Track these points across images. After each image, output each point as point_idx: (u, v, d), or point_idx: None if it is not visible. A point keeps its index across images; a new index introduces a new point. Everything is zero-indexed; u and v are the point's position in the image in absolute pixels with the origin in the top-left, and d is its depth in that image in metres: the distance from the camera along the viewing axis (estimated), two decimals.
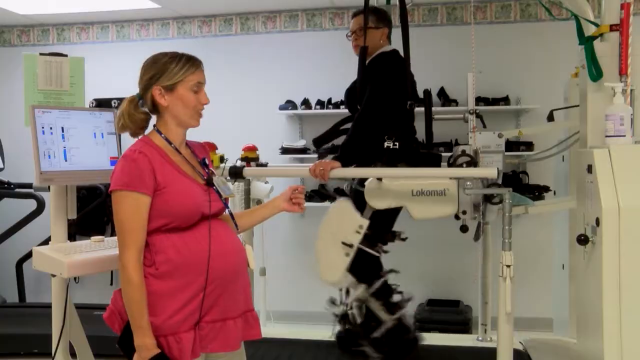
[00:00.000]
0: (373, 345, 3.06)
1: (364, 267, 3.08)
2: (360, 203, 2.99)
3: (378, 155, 2.97)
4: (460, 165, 2.87)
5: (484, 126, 3.29)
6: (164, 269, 1.87)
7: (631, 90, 2.63)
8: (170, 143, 1.98)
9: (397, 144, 2.97)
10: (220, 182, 2.05)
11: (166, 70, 1.94)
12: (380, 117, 3.00)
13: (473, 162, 2.88)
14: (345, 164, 2.94)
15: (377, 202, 2.94)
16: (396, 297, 3.16)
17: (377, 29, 3.15)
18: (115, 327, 1.95)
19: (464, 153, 2.90)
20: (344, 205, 3.02)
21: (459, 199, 2.85)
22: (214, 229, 1.94)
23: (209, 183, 2.00)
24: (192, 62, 1.97)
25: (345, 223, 2.99)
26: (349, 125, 3.23)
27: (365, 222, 2.96)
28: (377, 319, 3.09)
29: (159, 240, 1.89)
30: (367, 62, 3.13)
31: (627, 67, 2.59)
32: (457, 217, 2.91)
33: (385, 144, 2.97)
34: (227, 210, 2.07)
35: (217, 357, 2.01)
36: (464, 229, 2.88)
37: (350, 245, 2.95)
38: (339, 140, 3.28)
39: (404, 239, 3.18)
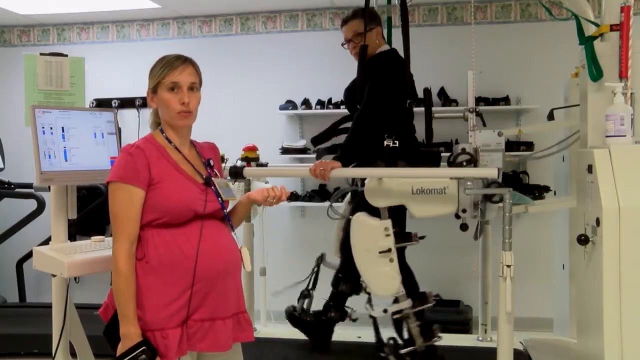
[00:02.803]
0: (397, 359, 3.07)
1: (406, 279, 3.07)
2: (371, 209, 2.97)
3: (378, 153, 2.97)
4: (461, 163, 2.87)
5: (484, 124, 3.29)
6: (153, 263, 1.89)
7: (631, 93, 2.62)
8: (170, 142, 2.00)
9: (396, 142, 2.97)
10: (222, 184, 2.05)
11: (150, 73, 1.99)
12: (380, 116, 3.00)
13: (473, 160, 2.88)
14: (345, 164, 2.94)
15: (377, 201, 2.94)
16: (433, 325, 3.17)
17: (372, 30, 3.17)
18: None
19: (464, 151, 2.90)
20: (360, 220, 2.98)
21: (459, 197, 2.85)
22: (206, 228, 1.95)
23: (207, 183, 2.01)
24: (170, 62, 1.97)
25: (371, 234, 2.94)
26: (347, 125, 3.24)
27: (389, 222, 2.93)
28: (410, 337, 3.08)
29: (150, 235, 1.91)
30: (366, 61, 3.13)
31: (627, 70, 2.59)
32: (457, 215, 2.91)
33: (385, 142, 2.97)
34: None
35: (211, 357, 2.01)
36: (463, 227, 2.88)
37: (389, 250, 2.91)
38: (338, 139, 3.28)
39: (421, 237, 3.17)
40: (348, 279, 3.26)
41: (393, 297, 3.03)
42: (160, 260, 1.89)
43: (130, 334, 1.83)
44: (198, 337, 1.91)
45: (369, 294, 3.20)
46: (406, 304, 3.01)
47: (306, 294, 3.51)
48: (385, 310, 3.03)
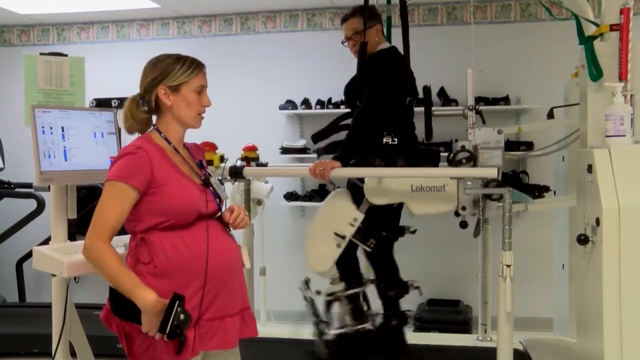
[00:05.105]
0: (325, 342, 3.14)
1: (348, 265, 3.13)
2: (357, 197, 3.01)
3: (377, 151, 2.98)
4: (460, 161, 2.87)
5: (484, 122, 3.29)
6: (162, 267, 1.88)
7: (631, 95, 2.62)
8: (169, 143, 2.00)
9: (396, 139, 2.97)
10: (217, 184, 2.07)
11: (171, 72, 1.98)
12: (380, 113, 3.00)
13: (472, 158, 2.88)
14: (345, 164, 2.95)
15: (377, 199, 2.95)
16: (365, 308, 3.20)
17: (371, 27, 3.17)
18: (112, 326, 1.96)
19: (463, 148, 2.90)
20: (341, 196, 3.04)
21: (458, 195, 2.85)
22: (211, 228, 1.95)
23: (206, 183, 2.01)
24: (196, 65, 2.02)
25: (340, 214, 3.02)
26: (348, 121, 3.24)
27: (360, 216, 2.98)
28: (342, 319, 3.14)
29: (156, 238, 1.90)
30: (366, 59, 3.13)
31: (627, 72, 2.59)
32: (456, 213, 2.92)
33: (385, 140, 2.97)
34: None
35: (214, 356, 2.01)
36: (463, 225, 2.89)
37: (343, 237, 2.97)
38: (337, 137, 3.29)
39: (413, 232, 3.20)
40: (391, 285, 3.28)
41: (329, 280, 3.12)
42: (170, 262, 1.88)
43: (149, 299, 1.78)
44: (209, 335, 1.92)
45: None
46: (339, 286, 3.08)
47: (319, 322, 3.37)
48: (318, 292, 3.12)
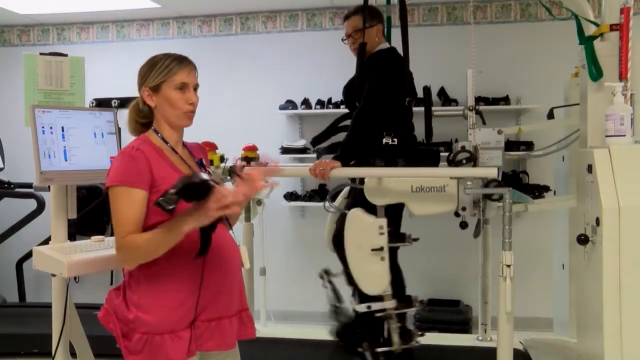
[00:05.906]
0: (373, 357, 3.06)
1: (397, 282, 3.07)
2: (369, 203, 2.96)
3: (377, 151, 2.97)
4: (460, 161, 2.87)
5: (484, 122, 3.29)
6: (160, 266, 1.87)
7: (631, 94, 2.62)
8: (166, 142, 1.99)
9: (395, 140, 2.96)
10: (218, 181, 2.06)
11: (152, 71, 1.95)
12: (379, 114, 3.00)
13: (473, 158, 2.88)
14: (345, 163, 2.94)
15: (377, 199, 2.94)
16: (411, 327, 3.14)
17: (372, 27, 3.17)
18: (110, 326, 1.94)
19: (463, 149, 2.90)
20: (355, 215, 2.97)
21: (458, 196, 2.85)
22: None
23: None
24: (177, 62, 1.96)
25: (365, 231, 2.93)
26: (347, 123, 3.24)
27: (384, 221, 2.92)
28: (389, 337, 3.06)
29: None
30: (365, 59, 3.13)
31: (627, 71, 2.59)
32: (456, 214, 2.91)
33: (384, 140, 2.96)
34: None
35: (212, 357, 2.01)
36: (463, 225, 2.88)
37: (381, 249, 2.90)
38: (337, 138, 3.28)
39: (415, 239, 3.17)
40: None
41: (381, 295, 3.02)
42: (167, 262, 1.87)
43: (181, 215, 1.75)
44: (206, 337, 1.91)
45: (353, 286, 3.18)
46: (390, 304, 3.00)
47: (337, 310, 3.37)
48: (369, 307, 3.02)
